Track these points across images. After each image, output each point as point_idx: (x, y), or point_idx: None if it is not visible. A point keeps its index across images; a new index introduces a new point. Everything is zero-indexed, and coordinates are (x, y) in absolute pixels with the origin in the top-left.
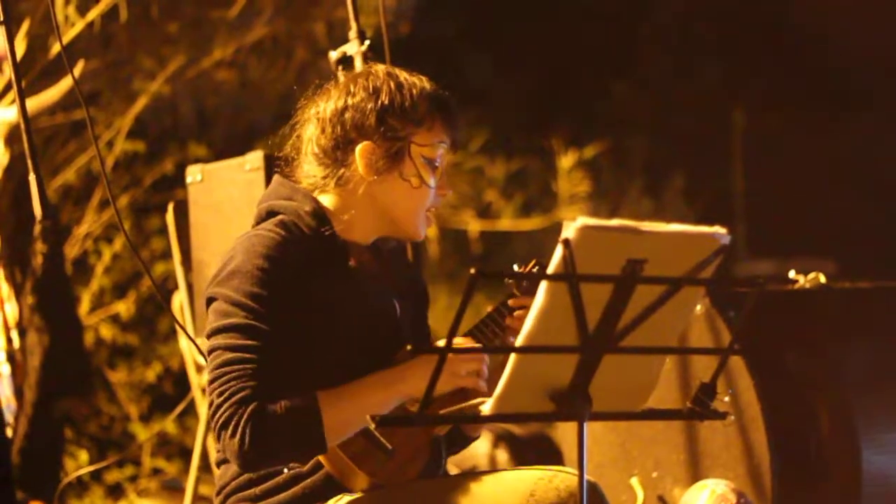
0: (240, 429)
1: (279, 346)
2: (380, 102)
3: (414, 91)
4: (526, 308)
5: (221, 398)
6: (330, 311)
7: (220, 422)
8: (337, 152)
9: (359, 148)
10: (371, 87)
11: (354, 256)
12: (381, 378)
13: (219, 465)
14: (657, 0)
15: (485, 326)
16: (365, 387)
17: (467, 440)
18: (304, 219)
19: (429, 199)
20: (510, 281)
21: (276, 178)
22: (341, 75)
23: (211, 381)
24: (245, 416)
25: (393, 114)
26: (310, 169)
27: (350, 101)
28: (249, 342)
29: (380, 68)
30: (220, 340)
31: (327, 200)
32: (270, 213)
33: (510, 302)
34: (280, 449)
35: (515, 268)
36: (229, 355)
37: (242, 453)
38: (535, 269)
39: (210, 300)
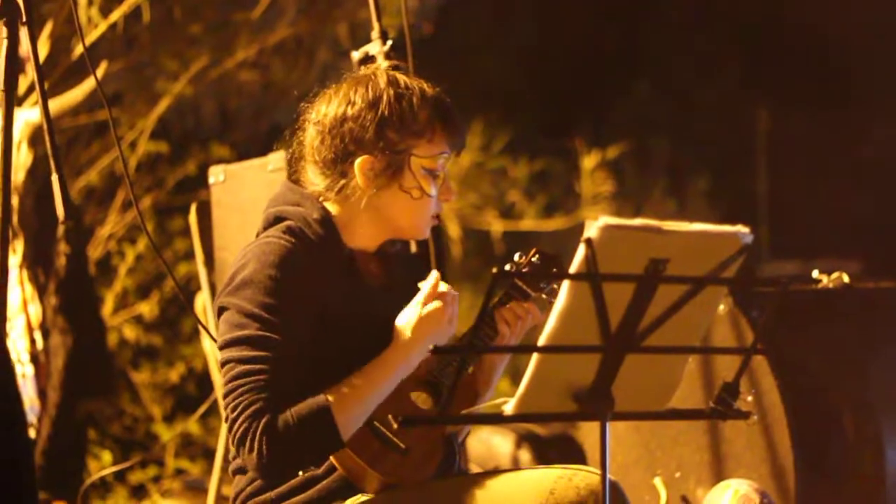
0: (255, 442)
1: (290, 356)
2: (379, 114)
3: (414, 100)
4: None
5: (235, 412)
6: (338, 320)
7: (237, 437)
8: (337, 164)
9: (357, 162)
10: (371, 96)
11: (360, 264)
12: (381, 362)
13: (234, 473)
14: (679, 0)
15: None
16: (369, 374)
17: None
18: (312, 226)
19: (431, 208)
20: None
21: (283, 182)
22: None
23: (225, 395)
24: (259, 430)
25: (392, 126)
26: (313, 177)
27: (350, 112)
28: (261, 353)
29: (381, 73)
30: (232, 353)
31: (332, 209)
32: (278, 219)
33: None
34: (298, 456)
35: (516, 257)
36: (241, 367)
37: (262, 465)
38: (534, 258)
39: (221, 310)
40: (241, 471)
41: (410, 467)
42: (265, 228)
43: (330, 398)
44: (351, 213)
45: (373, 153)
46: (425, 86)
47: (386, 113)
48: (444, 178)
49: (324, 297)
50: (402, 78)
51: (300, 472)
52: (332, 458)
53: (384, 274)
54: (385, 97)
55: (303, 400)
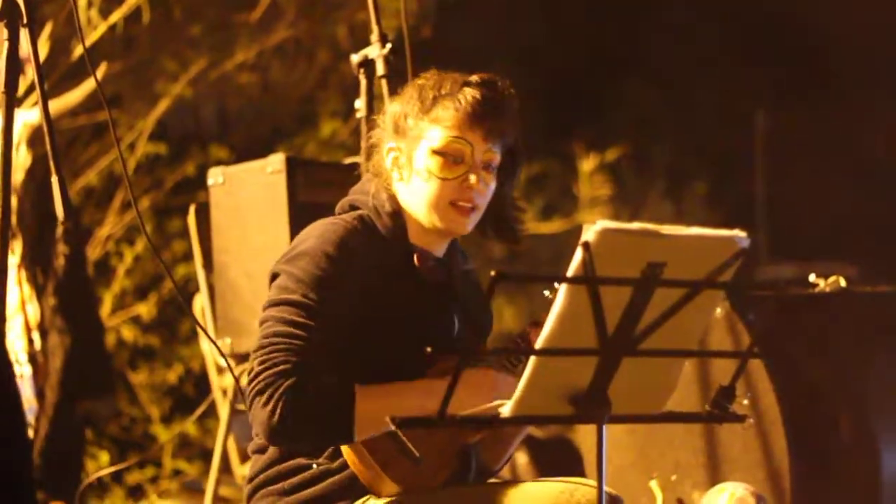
0: (273, 400)
1: (330, 332)
2: (399, 106)
3: (430, 91)
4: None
5: (262, 366)
6: (386, 309)
7: (256, 389)
8: (374, 158)
9: (383, 149)
10: (404, 91)
11: (421, 262)
12: (425, 386)
13: (253, 452)
14: (678, 2)
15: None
16: (406, 389)
17: (490, 474)
18: (383, 218)
19: (445, 191)
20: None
21: (366, 174)
22: (362, 77)
23: (257, 350)
24: (282, 389)
25: (410, 114)
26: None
27: (385, 109)
28: (302, 320)
29: (431, 74)
30: (274, 312)
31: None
32: (352, 207)
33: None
34: (307, 428)
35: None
36: (280, 328)
37: (270, 424)
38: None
39: (274, 276)
40: (260, 451)
41: (423, 476)
42: (338, 213)
43: (359, 389)
44: (406, 207)
45: (395, 140)
46: (461, 79)
47: (406, 104)
48: (473, 166)
49: (376, 285)
50: (440, 74)
51: (311, 465)
52: (346, 454)
53: (444, 277)
54: (411, 90)
55: (332, 377)
